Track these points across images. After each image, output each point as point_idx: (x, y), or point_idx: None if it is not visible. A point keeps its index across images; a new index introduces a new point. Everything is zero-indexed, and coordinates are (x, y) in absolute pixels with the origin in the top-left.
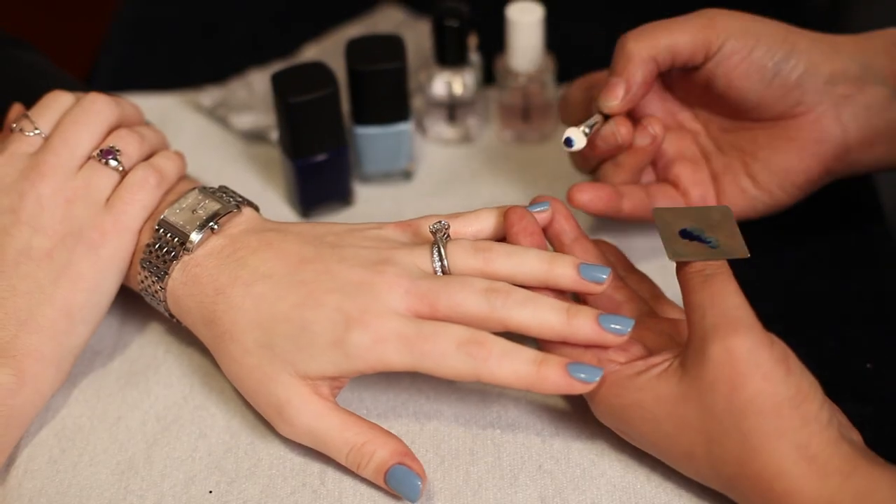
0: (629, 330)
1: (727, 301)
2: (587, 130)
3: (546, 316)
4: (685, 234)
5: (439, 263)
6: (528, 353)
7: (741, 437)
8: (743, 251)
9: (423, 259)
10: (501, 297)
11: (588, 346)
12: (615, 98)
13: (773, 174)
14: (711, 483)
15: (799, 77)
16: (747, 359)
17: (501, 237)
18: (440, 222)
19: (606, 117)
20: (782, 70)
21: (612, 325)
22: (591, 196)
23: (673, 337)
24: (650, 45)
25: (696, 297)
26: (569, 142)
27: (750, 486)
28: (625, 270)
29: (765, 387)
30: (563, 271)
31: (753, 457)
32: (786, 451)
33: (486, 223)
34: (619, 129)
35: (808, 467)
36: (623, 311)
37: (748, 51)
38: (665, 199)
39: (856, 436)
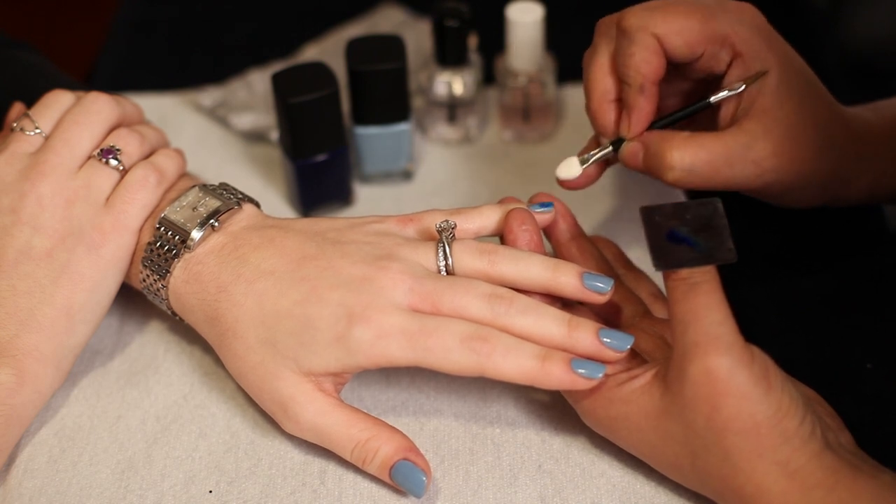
0: (628, 347)
1: (709, 316)
2: (587, 159)
3: (547, 326)
4: (672, 237)
5: (443, 263)
6: (532, 349)
7: (722, 455)
8: (731, 256)
9: (427, 257)
10: (504, 304)
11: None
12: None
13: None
14: (702, 492)
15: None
16: (726, 379)
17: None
18: (447, 221)
19: (616, 146)
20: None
21: (612, 341)
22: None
23: (666, 339)
24: (699, 183)
25: (679, 310)
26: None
27: (734, 500)
28: (623, 268)
29: (744, 407)
30: (567, 279)
31: (735, 474)
32: (766, 469)
33: (489, 220)
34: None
35: (790, 484)
36: (619, 313)
37: (783, 199)
38: None
39: (845, 439)
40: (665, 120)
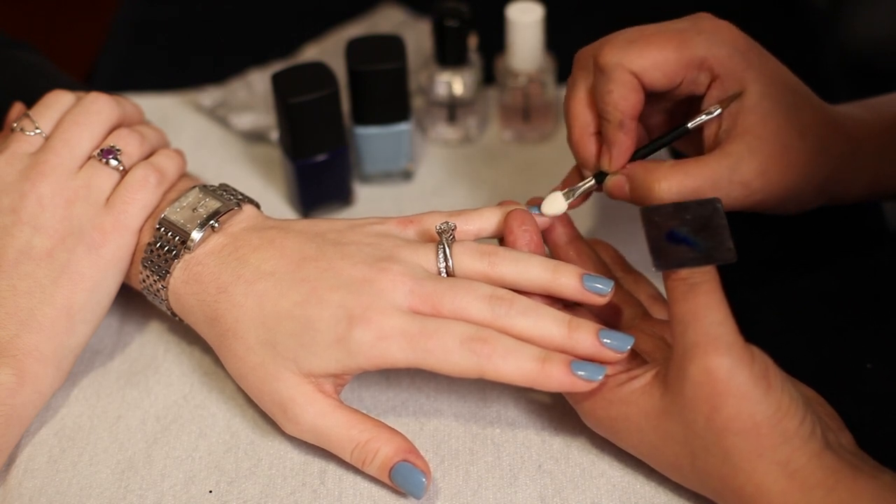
0: (628, 348)
1: (709, 316)
2: (574, 198)
3: (547, 327)
4: (672, 237)
5: (444, 264)
6: (532, 351)
7: (722, 455)
8: (730, 255)
9: (427, 259)
10: (505, 306)
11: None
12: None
13: None
14: (702, 492)
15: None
16: (726, 379)
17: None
18: (447, 223)
19: (599, 179)
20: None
21: (612, 342)
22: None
23: (665, 340)
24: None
25: (679, 310)
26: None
27: (734, 500)
28: (621, 271)
29: (743, 407)
30: (567, 281)
31: (735, 474)
32: (766, 469)
33: (489, 221)
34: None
35: (790, 484)
36: (619, 315)
37: (777, 209)
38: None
39: (846, 439)
40: (645, 149)
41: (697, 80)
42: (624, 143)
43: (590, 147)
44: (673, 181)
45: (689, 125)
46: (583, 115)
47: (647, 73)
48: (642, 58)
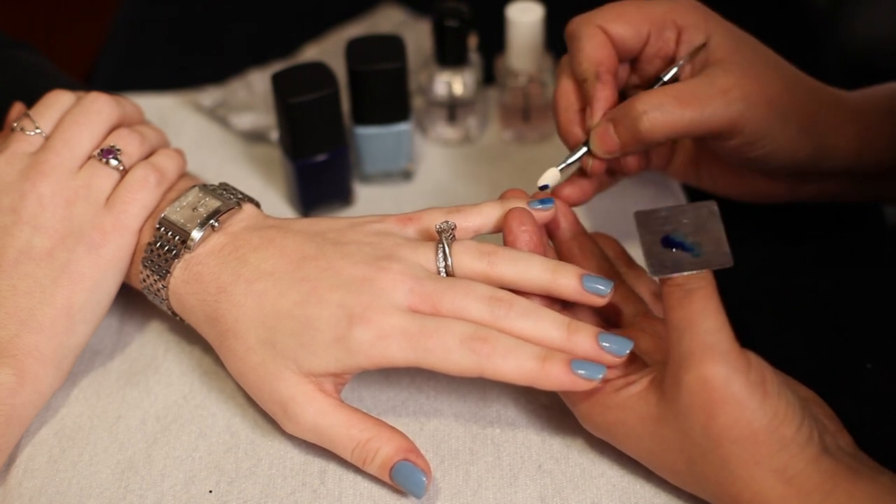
0: (627, 352)
1: (705, 323)
2: (564, 165)
3: (547, 329)
4: (667, 242)
5: (443, 264)
6: (532, 350)
7: (719, 462)
8: (727, 260)
9: (426, 258)
10: (504, 307)
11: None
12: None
13: (715, 187)
14: (700, 496)
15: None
16: (722, 388)
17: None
18: (447, 222)
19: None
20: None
21: (611, 346)
22: (572, 190)
23: (665, 340)
24: (672, 123)
25: (675, 317)
26: (545, 187)
27: None
28: (624, 266)
29: (740, 415)
30: (567, 281)
31: (732, 481)
32: (763, 476)
33: (489, 218)
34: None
35: (787, 490)
36: (620, 312)
37: (765, 142)
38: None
39: (844, 441)
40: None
41: (664, 35)
42: (601, 94)
43: (575, 125)
44: (652, 94)
45: (663, 76)
46: (566, 98)
47: (613, 24)
48: (607, 11)
